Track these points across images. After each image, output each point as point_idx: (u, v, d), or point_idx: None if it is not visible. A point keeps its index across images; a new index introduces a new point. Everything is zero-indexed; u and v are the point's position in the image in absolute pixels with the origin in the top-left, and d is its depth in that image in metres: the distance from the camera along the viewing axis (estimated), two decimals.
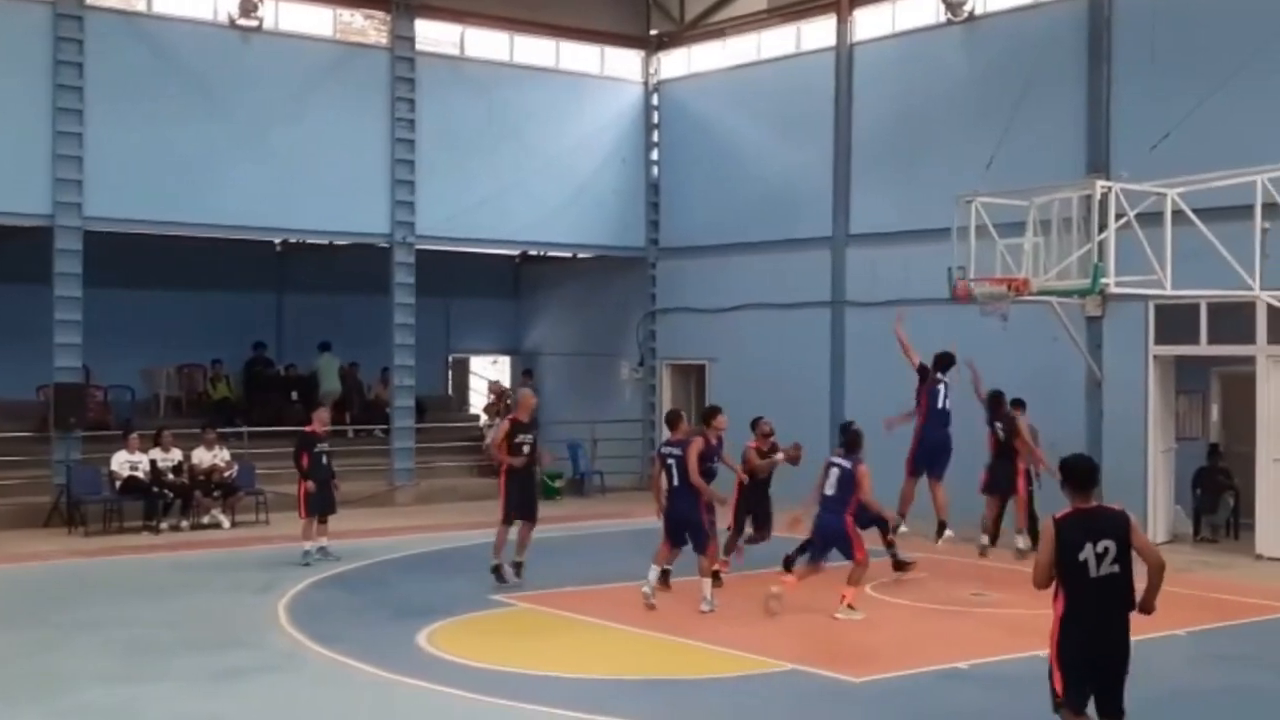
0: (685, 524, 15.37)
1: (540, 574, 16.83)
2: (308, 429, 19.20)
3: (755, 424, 17.68)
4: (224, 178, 23.78)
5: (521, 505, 16.66)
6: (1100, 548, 8.48)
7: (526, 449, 16.57)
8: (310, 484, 18.66)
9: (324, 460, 18.87)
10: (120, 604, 15.95)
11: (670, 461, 15.40)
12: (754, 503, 17.38)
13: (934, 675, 12.49)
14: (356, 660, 12.85)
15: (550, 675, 12.46)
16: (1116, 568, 8.53)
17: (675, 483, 15.35)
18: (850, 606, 14.88)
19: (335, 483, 19.18)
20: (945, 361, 18.28)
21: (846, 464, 15.25)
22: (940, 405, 18.01)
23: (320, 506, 18.71)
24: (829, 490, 15.22)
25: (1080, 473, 8.75)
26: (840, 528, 15.18)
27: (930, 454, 17.89)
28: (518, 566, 16.63)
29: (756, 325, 26.52)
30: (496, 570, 16.45)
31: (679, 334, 28.51)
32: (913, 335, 23.21)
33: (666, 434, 16.51)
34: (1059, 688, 8.61)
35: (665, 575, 16.07)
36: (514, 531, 16.77)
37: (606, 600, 15.67)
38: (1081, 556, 8.47)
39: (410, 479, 25.94)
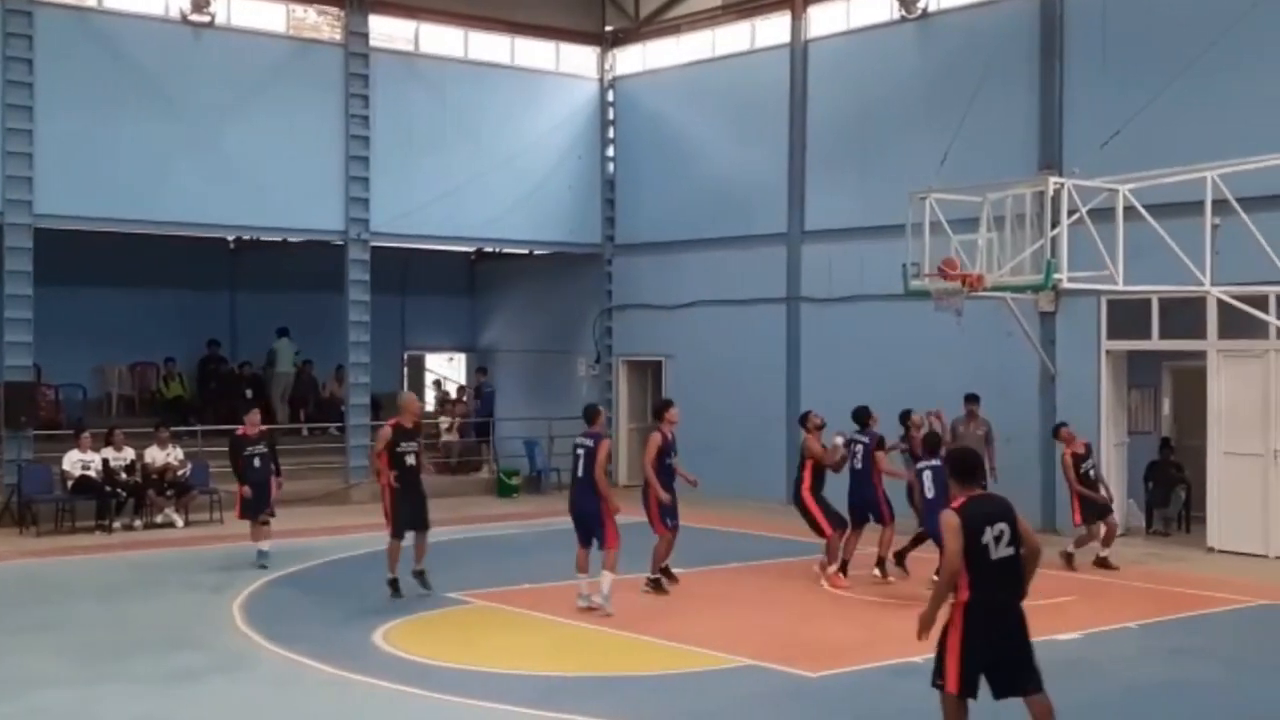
0: (588, 518, 14.99)
1: (497, 571, 16.79)
2: (239, 431, 18.75)
3: (805, 419, 17.32)
4: (176, 175, 23.62)
5: (413, 517, 15.70)
6: (996, 530, 8.91)
7: (410, 459, 15.60)
8: (245, 488, 18.19)
9: (256, 463, 18.21)
10: (72, 605, 15.82)
11: (580, 452, 15.08)
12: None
13: (889, 669, 12.53)
14: (312, 660, 12.79)
15: (508, 673, 12.44)
16: (1011, 550, 8.96)
17: (580, 474, 15.04)
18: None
19: (278, 481, 18.53)
20: (856, 417, 17.47)
21: (937, 463, 15.60)
22: (854, 465, 17.19)
23: (253, 509, 18.15)
24: (930, 493, 15.56)
25: (969, 464, 9.28)
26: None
27: (860, 511, 17.24)
28: (420, 575, 15.74)
29: (713, 322, 26.55)
30: (393, 584, 15.50)
31: (635, 330, 28.51)
32: (868, 332, 23.41)
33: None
34: (954, 677, 8.93)
35: (667, 570, 16.16)
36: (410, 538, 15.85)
37: (564, 597, 15.63)
38: (984, 540, 8.86)
39: (366, 477, 25.81)
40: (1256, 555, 18.79)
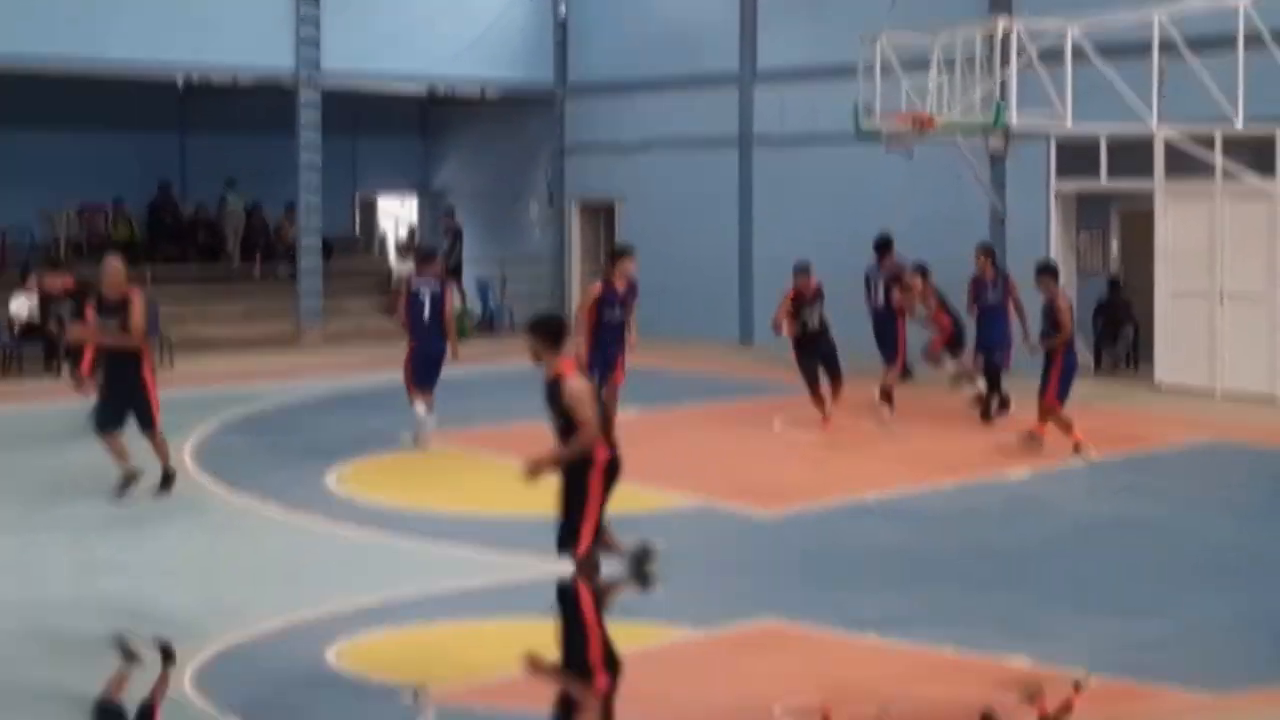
0: (437, 362, 15.30)
1: (448, 414, 16.83)
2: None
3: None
4: (120, 12, 23.06)
5: (109, 412, 12.81)
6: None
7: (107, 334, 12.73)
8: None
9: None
10: (18, 451, 15.70)
11: (425, 298, 15.08)
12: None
13: (843, 510, 12.70)
14: (263, 503, 12.85)
15: (462, 514, 12.57)
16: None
17: (428, 319, 15.08)
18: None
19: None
20: (876, 247, 17.78)
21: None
22: (874, 301, 17.71)
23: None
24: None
25: (564, 328, 9.87)
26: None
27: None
28: (166, 480, 13.06)
29: (665, 163, 26.35)
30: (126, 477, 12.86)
31: (588, 173, 28.28)
32: (820, 175, 23.31)
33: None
34: (589, 538, 9.77)
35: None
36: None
37: (517, 438, 15.64)
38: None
39: (317, 320, 25.78)
40: (1203, 393, 19.03)
